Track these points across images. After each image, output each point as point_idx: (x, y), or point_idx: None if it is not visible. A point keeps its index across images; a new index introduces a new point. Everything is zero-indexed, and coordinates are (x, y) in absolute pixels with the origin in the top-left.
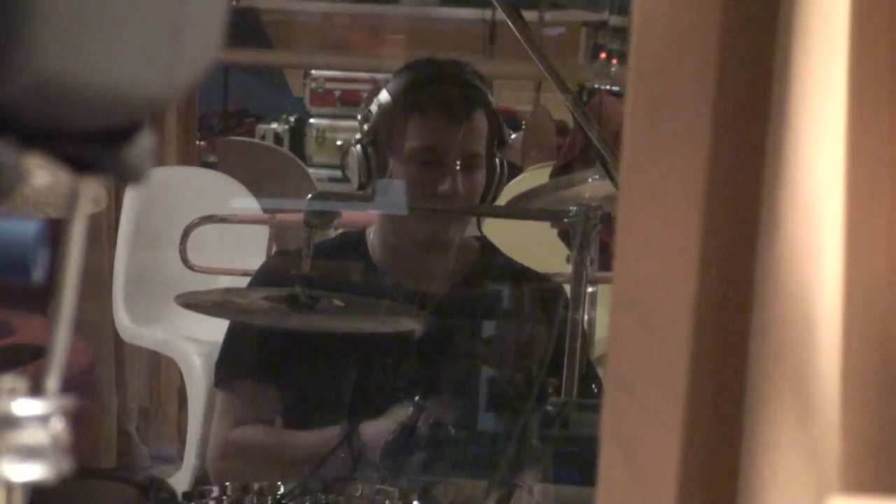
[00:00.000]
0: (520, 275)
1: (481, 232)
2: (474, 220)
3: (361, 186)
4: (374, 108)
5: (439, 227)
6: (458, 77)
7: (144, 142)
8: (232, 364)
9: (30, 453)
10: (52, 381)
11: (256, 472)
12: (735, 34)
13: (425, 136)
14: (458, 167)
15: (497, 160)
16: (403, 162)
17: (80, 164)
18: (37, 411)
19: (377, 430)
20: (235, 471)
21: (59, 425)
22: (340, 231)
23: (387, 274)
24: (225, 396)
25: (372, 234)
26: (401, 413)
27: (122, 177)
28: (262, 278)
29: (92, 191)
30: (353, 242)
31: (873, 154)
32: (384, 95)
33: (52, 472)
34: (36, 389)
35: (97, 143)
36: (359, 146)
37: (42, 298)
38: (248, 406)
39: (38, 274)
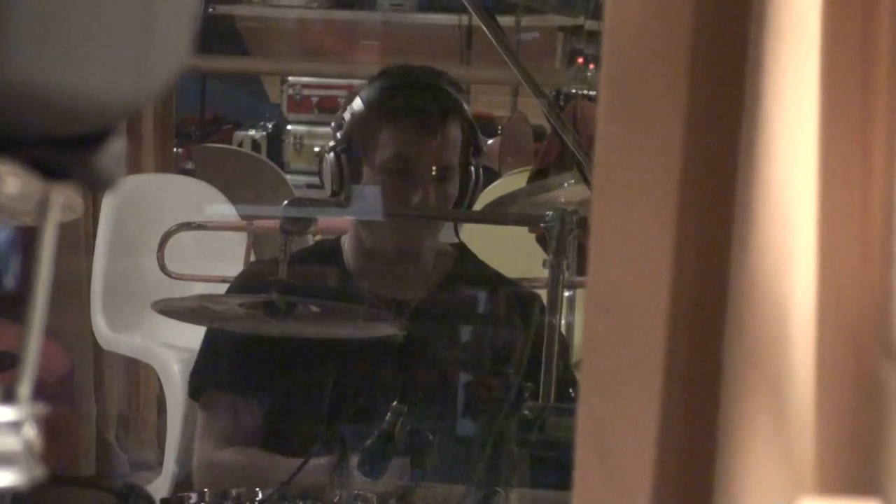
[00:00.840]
0: (495, 281)
1: (459, 238)
2: (451, 226)
3: (334, 194)
4: (347, 115)
5: (413, 233)
6: (432, 86)
7: (115, 148)
8: (208, 376)
9: (2, 460)
10: (25, 388)
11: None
12: (707, 36)
13: (398, 147)
14: (430, 178)
15: (472, 168)
16: (376, 169)
17: (50, 171)
18: (9, 418)
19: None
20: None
21: (31, 432)
22: (317, 238)
23: (362, 281)
24: (204, 415)
25: (347, 242)
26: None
27: (93, 183)
28: (239, 286)
29: (66, 198)
30: (328, 251)
31: (846, 153)
32: (357, 103)
33: (25, 479)
34: (8, 396)
35: (67, 150)
36: (332, 154)
37: (14, 306)
38: (228, 421)
39: (8, 281)
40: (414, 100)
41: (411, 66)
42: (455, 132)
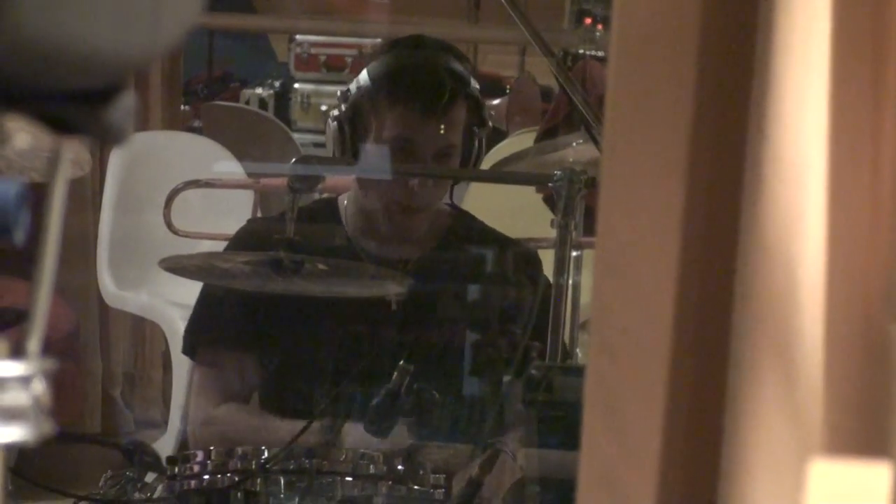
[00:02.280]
0: (494, 240)
1: (452, 200)
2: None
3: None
4: (353, 87)
5: (417, 192)
6: (440, 66)
7: (126, 103)
8: (204, 332)
9: (11, 415)
10: (34, 344)
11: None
12: None
13: (401, 128)
14: (432, 158)
15: (476, 140)
16: (380, 144)
17: (61, 126)
18: (18, 373)
19: (360, 436)
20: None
21: (40, 387)
22: (324, 196)
23: (359, 241)
24: (201, 371)
25: (346, 201)
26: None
27: (104, 138)
28: (236, 245)
29: (75, 154)
30: (326, 209)
31: (857, 113)
32: (364, 77)
33: (34, 434)
34: (18, 352)
35: (78, 104)
36: (336, 123)
37: (24, 262)
38: (225, 378)
39: (19, 237)
40: (420, 81)
41: (420, 40)
42: (460, 112)
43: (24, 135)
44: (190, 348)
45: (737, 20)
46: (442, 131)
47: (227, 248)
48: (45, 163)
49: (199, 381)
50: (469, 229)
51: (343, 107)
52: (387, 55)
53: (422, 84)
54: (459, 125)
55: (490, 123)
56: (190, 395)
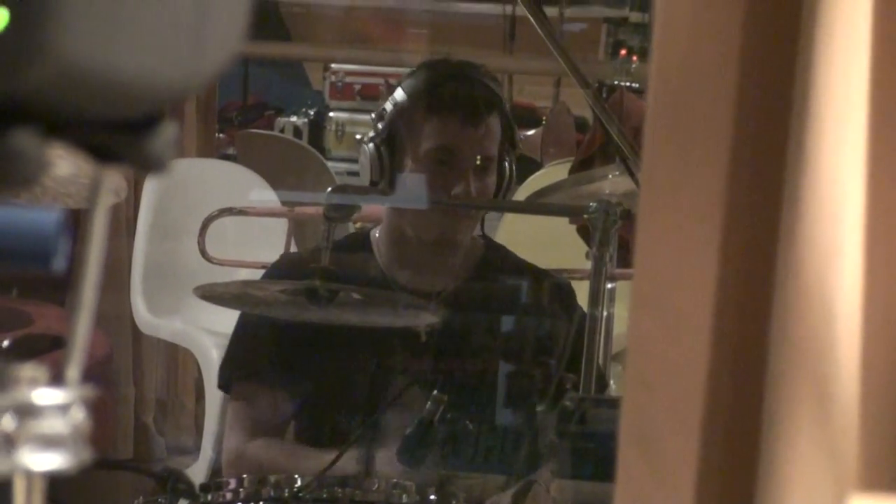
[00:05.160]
0: (526, 271)
1: (483, 231)
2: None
3: (373, 184)
4: (388, 106)
5: (452, 223)
6: (474, 79)
7: (167, 132)
8: (239, 367)
9: (50, 443)
10: (73, 371)
11: None
12: (757, 28)
13: (441, 138)
14: (471, 169)
15: (507, 163)
16: (417, 162)
17: (102, 154)
18: (57, 401)
19: (389, 461)
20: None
21: (79, 415)
22: (358, 226)
23: (392, 272)
24: (236, 405)
25: (378, 233)
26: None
27: (145, 166)
28: (274, 275)
29: (112, 182)
30: (359, 242)
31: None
32: (400, 94)
33: (72, 462)
34: (54, 379)
35: (120, 133)
36: (371, 144)
37: (60, 289)
38: (259, 412)
39: (57, 264)
40: (457, 91)
41: (450, 60)
42: (495, 124)
43: (63, 162)
44: (225, 383)
45: (776, 54)
46: (480, 140)
47: (262, 279)
48: (81, 189)
49: (234, 415)
50: (502, 260)
51: (379, 126)
52: (420, 72)
53: (460, 93)
54: (496, 138)
55: (520, 146)
56: (224, 428)
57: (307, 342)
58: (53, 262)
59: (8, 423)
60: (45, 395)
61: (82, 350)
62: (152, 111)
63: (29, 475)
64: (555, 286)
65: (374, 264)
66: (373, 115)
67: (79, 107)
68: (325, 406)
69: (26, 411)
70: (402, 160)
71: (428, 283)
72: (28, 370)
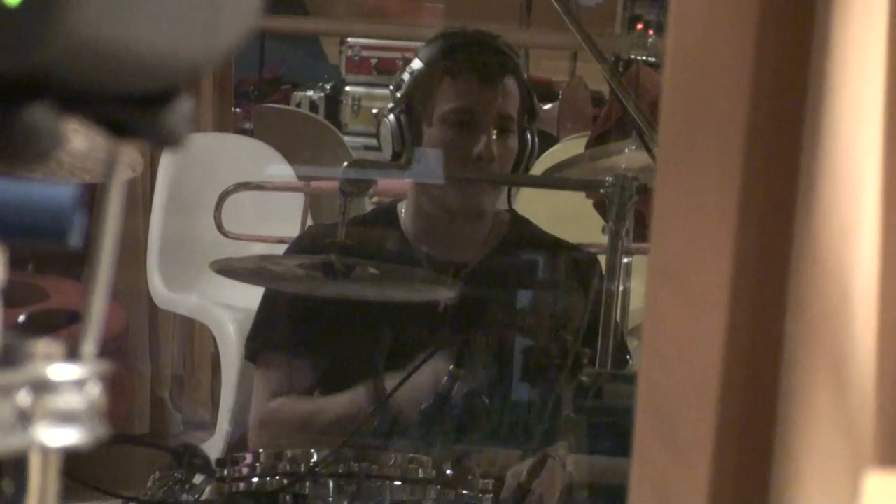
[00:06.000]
0: (552, 245)
1: (511, 205)
2: (504, 195)
3: (395, 157)
4: (405, 75)
5: (474, 194)
6: (490, 44)
7: (183, 107)
8: (264, 339)
9: (65, 418)
10: (89, 346)
11: (295, 443)
12: (774, 4)
13: (460, 98)
14: (492, 130)
15: (528, 132)
16: (437, 125)
17: (118, 129)
18: (73, 376)
19: (408, 387)
20: (275, 442)
21: (95, 390)
22: (375, 200)
23: (419, 245)
24: (261, 372)
25: (404, 207)
26: (427, 372)
27: (161, 141)
28: (296, 249)
29: (128, 156)
30: (386, 215)
31: None
32: (416, 62)
33: (88, 438)
34: (70, 354)
35: (136, 108)
36: (391, 115)
37: (76, 264)
38: (284, 379)
39: (73, 239)
40: (473, 54)
41: (466, 29)
42: (512, 87)
43: (79, 136)
44: (252, 355)
45: (793, 30)
46: (499, 101)
47: (286, 252)
48: (97, 164)
49: (261, 382)
50: (528, 234)
51: (397, 95)
52: (436, 41)
53: (478, 53)
54: (515, 100)
55: (540, 114)
56: (252, 397)
57: (331, 314)
58: (69, 237)
59: (24, 398)
60: (60, 371)
61: (98, 326)
62: (168, 86)
63: (44, 451)
64: (579, 260)
65: (401, 237)
66: (391, 87)
67: (94, 82)
68: (346, 376)
69: (42, 387)
70: (421, 129)
71: (454, 255)
72: (43, 346)
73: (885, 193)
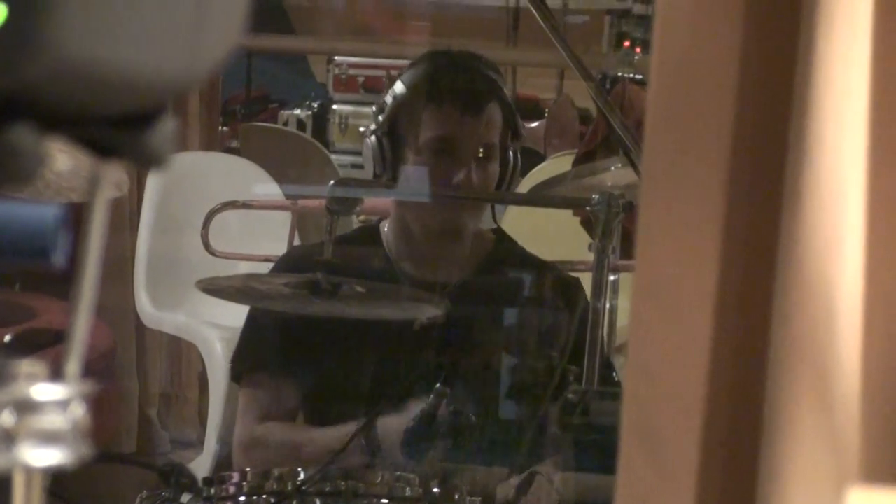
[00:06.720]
0: (534, 265)
1: (497, 223)
2: (490, 212)
3: (377, 177)
4: (388, 98)
5: (455, 213)
6: (474, 69)
7: (166, 127)
8: (249, 359)
9: (49, 438)
10: (73, 366)
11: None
12: (759, 20)
13: (441, 127)
14: (473, 158)
15: (511, 152)
16: (419, 153)
17: (101, 149)
18: (57, 396)
19: (395, 425)
20: (259, 466)
21: (79, 410)
22: (362, 219)
23: (400, 264)
24: (246, 392)
25: (387, 226)
26: (418, 407)
27: (144, 161)
28: (280, 269)
29: (114, 175)
30: (369, 234)
31: None
32: (399, 86)
33: (72, 458)
34: (56, 374)
35: (119, 128)
36: (374, 137)
37: (63, 283)
38: (269, 400)
39: (58, 258)
40: (455, 81)
41: (451, 51)
42: (495, 113)
43: (63, 156)
44: (237, 375)
45: (777, 45)
46: (481, 129)
47: (271, 271)
48: (83, 183)
49: (245, 402)
50: (511, 254)
51: (380, 118)
52: (420, 63)
53: (459, 82)
54: (497, 127)
55: (524, 135)
56: (236, 417)
57: (316, 334)
58: (53, 257)
59: (7, 418)
60: (43, 391)
61: (82, 345)
62: (152, 106)
63: (28, 471)
64: (561, 281)
65: (384, 256)
66: (374, 108)
67: (77, 102)
68: (332, 396)
69: (25, 407)
70: (404, 152)
71: (435, 274)
72: (27, 366)
73: (869, 209)
